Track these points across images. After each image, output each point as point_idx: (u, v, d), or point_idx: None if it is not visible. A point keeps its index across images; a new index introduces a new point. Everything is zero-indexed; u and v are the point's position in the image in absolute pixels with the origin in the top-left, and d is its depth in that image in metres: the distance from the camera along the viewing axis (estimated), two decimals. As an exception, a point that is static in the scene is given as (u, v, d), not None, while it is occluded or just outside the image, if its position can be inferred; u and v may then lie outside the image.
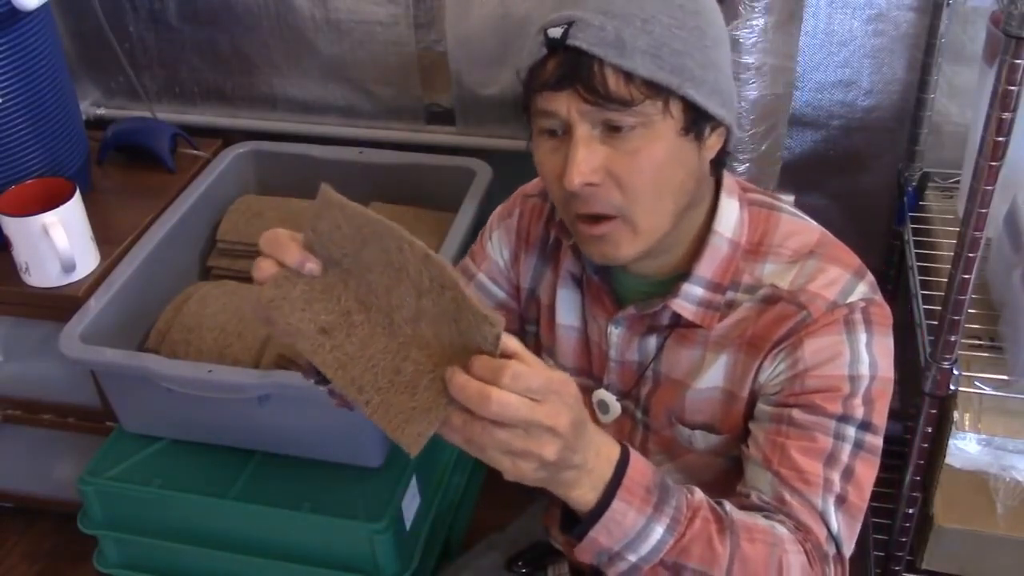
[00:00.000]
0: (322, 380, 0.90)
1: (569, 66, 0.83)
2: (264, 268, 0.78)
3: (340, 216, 0.76)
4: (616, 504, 0.77)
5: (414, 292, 0.74)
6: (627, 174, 0.85)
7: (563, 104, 0.84)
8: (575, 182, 0.84)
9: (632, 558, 0.80)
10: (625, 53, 0.82)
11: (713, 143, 0.91)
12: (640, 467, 0.80)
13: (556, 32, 0.83)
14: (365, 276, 0.77)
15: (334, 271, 0.78)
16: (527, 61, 0.86)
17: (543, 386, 0.70)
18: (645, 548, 0.79)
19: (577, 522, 0.80)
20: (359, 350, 0.77)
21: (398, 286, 0.75)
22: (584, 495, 0.77)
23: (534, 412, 0.69)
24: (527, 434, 0.70)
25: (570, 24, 0.82)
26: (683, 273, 0.95)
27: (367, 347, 0.77)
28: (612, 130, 0.85)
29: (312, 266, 0.77)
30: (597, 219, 0.88)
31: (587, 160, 0.84)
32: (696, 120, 0.87)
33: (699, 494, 0.84)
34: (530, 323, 1.11)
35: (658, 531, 0.79)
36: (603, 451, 0.78)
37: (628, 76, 0.82)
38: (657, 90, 0.84)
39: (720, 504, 0.85)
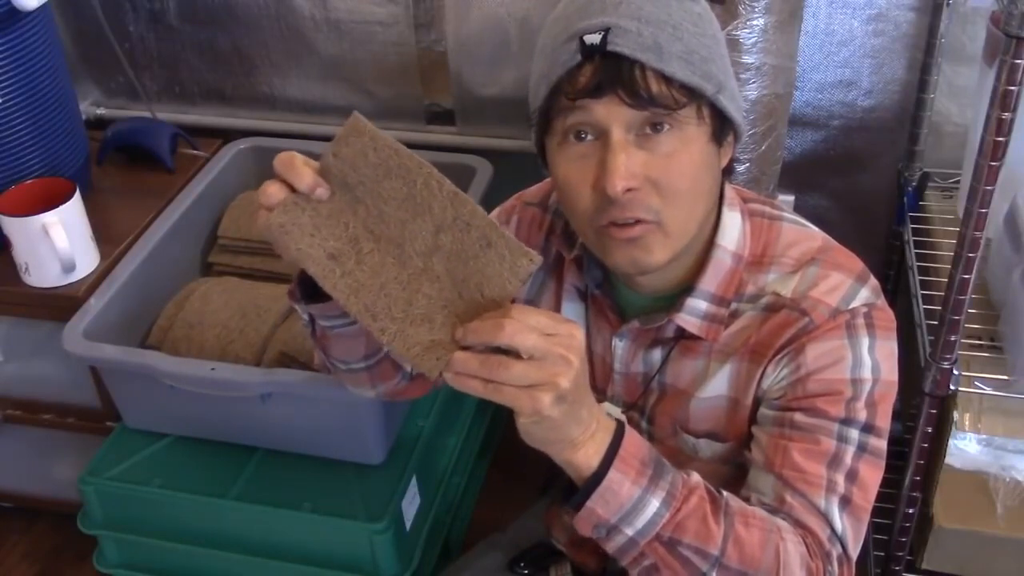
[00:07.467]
0: (312, 308, 0.91)
1: (609, 72, 0.82)
2: (272, 193, 0.80)
3: (369, 144, 0.77)
4: (612, 474, 0.79)
5: (432, 227, 0.77)
6: (665, 177, 0.85)
7: (600, 110, 0.83)
8: (618, 187, 0.83)
9: (629, 531, 0.81)
10: (663, 58, 0.82)
11: (726, 151, 0.92)
12: (635, 440, 0.82)
13: (594, 38, 0.82)
14: (378, 206, 0.79)
15: (344, 197, 0.79)
16: (558, 69, 0.84)
17: (549, 321, 0.75)
18: (641, 521, 0.80)
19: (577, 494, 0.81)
20: (370, 278, 0.79)
21: (415, 220, 0.78)
22: (589, 458, 0.79)
23: (546, 340, 0.74)
24: (542, 363, 0.74)
25: (607, 30, 0.82)
26: (687, 287, 0.95)
27: (378, 275, 0.79)
28: (646, 136, 0.84)
29: (322, 191, 0.79)
30: (631, 224, 0.87)
31: (627, 165, 0.83)
32: (722, 127, 0.88)
33: (696, 476, 0.85)
34: None
35: (654, 504, 0.80)
36: (602, 419, 0.81)
37: (668, 81, 0.82)
38: (692, 95, 0.84)
39: (718, 490, 0.86)
